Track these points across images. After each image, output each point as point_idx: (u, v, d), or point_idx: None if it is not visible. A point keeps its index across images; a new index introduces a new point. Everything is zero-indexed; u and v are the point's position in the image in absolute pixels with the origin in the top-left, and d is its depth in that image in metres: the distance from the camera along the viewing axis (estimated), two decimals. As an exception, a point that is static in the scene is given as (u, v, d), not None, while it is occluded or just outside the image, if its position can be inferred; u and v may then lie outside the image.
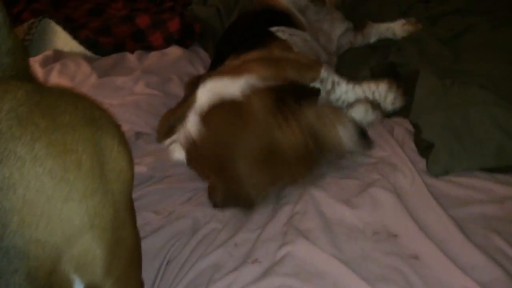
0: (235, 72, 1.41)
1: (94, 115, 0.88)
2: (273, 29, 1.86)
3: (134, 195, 1.46)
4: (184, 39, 2.32)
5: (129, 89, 1.95)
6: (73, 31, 2.22)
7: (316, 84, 1.57)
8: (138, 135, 1.76)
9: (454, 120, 1.46)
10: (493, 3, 2.24)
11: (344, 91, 1.64)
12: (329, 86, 1.61)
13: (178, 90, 1.98)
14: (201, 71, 2.12)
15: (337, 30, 2.17)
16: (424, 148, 1.49)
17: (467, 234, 1.20)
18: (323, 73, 1.60)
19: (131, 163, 0.95)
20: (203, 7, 2.36)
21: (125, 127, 1.74)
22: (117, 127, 0.98)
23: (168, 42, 2.28)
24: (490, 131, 1.39)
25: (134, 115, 1.79)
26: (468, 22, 2.17)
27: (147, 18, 2.27)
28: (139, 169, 1.59)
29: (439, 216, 1.26)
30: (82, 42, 2.21)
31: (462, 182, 1.38)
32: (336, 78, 1.65)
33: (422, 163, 1.47)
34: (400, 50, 2.07)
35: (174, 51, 2.26)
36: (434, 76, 1.70)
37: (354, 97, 1.65)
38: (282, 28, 1.86)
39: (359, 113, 1.59)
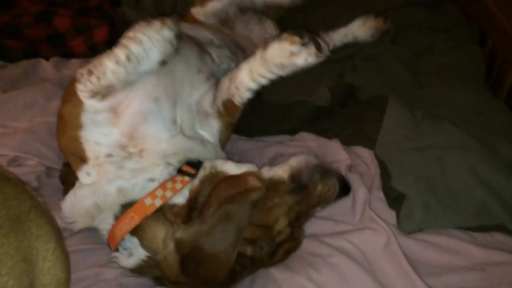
0: None
1: (21, 213, 0.78)
2: None
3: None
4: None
5: (40, 107, 1.59)
6: (-27, 31, 1.81)
7: None
8: (49, 171, 1.44)
9: (428, 168, 1.29)
10: (452, 20, 2.09)
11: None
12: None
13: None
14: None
15: None
16: (394, 198, 1.30)
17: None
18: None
19: (67, 270, 0.90)
20: (135, 12, 2.03)
21: (32, 162, 1.41)
22: (50, 221, 0.91)
23: (92, 51, 1.92)
24: (470, 185, 1.24)
25: (44, 145, 1.46)
26: (429, 41, 2.02)
27: (67, 20, 1.90)
28: None
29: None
30: (-18, 46, 1.81)
31: (438, 243, 1.22)
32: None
33: (392, 216, 1.28)
34: (356, 71, 1.88)
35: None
36: (404, 106, 1.53)
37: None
38: None
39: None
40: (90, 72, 1.14)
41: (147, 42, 1.12)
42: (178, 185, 1.17)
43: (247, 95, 1.29)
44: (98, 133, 1.17)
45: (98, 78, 1.13)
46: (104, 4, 2.15)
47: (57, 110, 1.55)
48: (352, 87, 1.79)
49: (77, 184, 1.19)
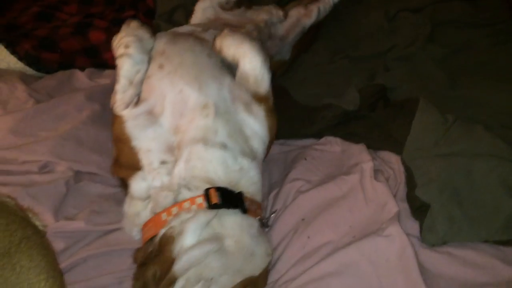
0: None
1: (11, 245, 0.80)
2: None
3: (63, 265, 1.21)
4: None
5: (71, 118, 1.64)
6: (11, 44, 1.90)
7: None
8: (78, 175, 1.48)
9: (455, 177, 1.22)
10: (494, 14, 1.97)
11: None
12: None
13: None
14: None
15: None
16: (418, 207, 1.24)
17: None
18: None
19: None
20: (169, 25, 2.05)
21: (61, 168, 1.45)
22: (43, 250, 0.92)
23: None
24: (499, 197, 1.16)
25: (74, 151, 1.51)
26: (466, 37, 1.91)
27: (102, 34, 1.97)
28: (74, 225, 1.33)
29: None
30: (21, 58, 1.90)
31: (462, 257, 1.15)
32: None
33: (414, 226, 1.22)
34: (388, 71, 1.81)
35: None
36: (435, 109, 1.45)
37: None
38: None
39: None
40: (115, 85, 1.24)
41: (129, 29, 1.30)
42: (192, 208, 1.13)
43: None
44: (146, 139, 1.21)
45: (118, 82, 1.23)
46: (139, 15, 2.19)
47: (87, 120, 1.62)
48: (383, 89, 1.73)
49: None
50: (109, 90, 1.71)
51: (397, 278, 1.09)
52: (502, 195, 1.16)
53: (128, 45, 1.25)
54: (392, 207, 1.23)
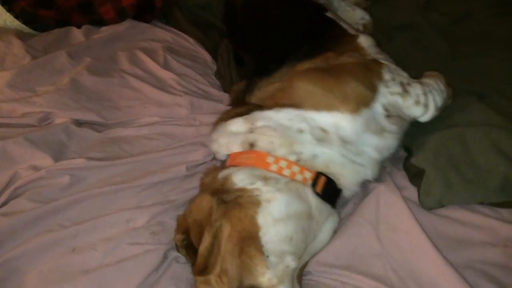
0: (280, 101, 1.21)
1: None
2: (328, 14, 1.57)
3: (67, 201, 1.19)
4: (143, 13, 1.98)
5: (68, 71, 1.64)
6: (7, 1, 1.84)
7: (382, 89, 1.22)
8: (78, 124, 1.47)
9: (449, 144, 1.23)
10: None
11: (421, 92, 1.27)
12: (397, 89, 1.25)
13: (129, 70, 1.70)
14: (160, 52, 1.79)
15: None
16: (414, 174, 1.25)
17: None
18: (386, 74, 1.26)
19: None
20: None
21: (61, 117, 1.43)
22: None
23: (121, 16, 1.94)
24: (493, 160, 1.17)
25: (72, 100, 1.50)
26: (466, 7, 1.91)
27: (95, -13, 1.92)
28: (76, 161, 1.31)
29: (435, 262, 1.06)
30: (17, 15, 1.85)
31: (460, 218, 1.17)
32: (404, 78, 1.28)
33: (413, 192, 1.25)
34: (391, 41, 1.81)
35: (129, 26, 1.93)
36: None
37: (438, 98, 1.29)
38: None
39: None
40: None
41: None
42: (298, 177, 1.12)
43: None
44: None
45: None
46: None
47: (83, 70, 1.60)
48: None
49: None
50: (105, 42, 1.71)
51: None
52: (496, 159, 1.17)
53: None
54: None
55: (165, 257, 1.12)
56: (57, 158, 1.32)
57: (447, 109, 1.34)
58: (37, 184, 1.22)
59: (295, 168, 1.13)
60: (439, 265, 1.04)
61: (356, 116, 1.15)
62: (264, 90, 1.29)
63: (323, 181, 1.14)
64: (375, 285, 1.06)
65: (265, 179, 1.10)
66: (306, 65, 1.28)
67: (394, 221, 1.15)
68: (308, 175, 1.13)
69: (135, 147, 1.41)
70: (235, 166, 1.17)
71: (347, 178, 1.19)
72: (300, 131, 1.16)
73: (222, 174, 1.15)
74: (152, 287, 1.05)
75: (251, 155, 1.16)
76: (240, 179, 1.11)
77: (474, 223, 1.15)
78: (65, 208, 1.17)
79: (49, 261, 1.05)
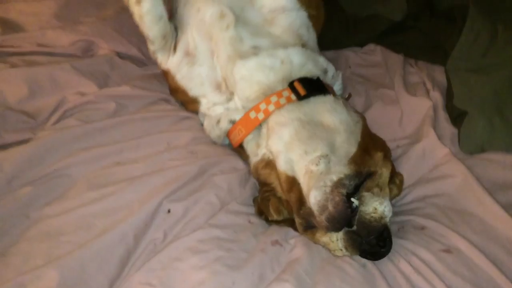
0: None
1: None
2: None
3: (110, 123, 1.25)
4: None
5: (112, 4, 1.66)
6: None
7: None
8: (120, 57, 1.49)
9: (497, 87, 1.18)
10: None
11: None
12: None
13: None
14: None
15: None
16: (456, 116, 1.23)
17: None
18: None
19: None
20: None
21: (104, 48, 1.46)
22: None
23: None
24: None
25: (115, 31, 1.52)
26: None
27: None
28: (121, 89, 1.35)
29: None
30: None
31: (502, 161, 1.14)
32: None
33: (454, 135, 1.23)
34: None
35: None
36: (485, 18, 1.35)
37: None
38: None
39: None
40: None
41: None
42: (283, 100, 1.11)
43: None
44: (197, 87, 1.24)
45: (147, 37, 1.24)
46: None
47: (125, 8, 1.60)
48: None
49: None
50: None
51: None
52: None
53: None
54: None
55: (203, 170, 1.15)
56: (101, 86, 1.35)
57: (500, 45, 1.28)
58: (85, 108, 1.27)
59: (273, 99, 1.12)
60: (487, 204, 1.04)
61: None
62: None
63: (298, 85, 1.13)
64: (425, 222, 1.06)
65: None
66: None
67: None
68: (286, 93, 1.12)
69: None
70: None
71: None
72: None
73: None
74: (192, 194, 1.09)
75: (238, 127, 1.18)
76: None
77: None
78: (111, 128, 1.22)
79: (96, 171, 1.11)
